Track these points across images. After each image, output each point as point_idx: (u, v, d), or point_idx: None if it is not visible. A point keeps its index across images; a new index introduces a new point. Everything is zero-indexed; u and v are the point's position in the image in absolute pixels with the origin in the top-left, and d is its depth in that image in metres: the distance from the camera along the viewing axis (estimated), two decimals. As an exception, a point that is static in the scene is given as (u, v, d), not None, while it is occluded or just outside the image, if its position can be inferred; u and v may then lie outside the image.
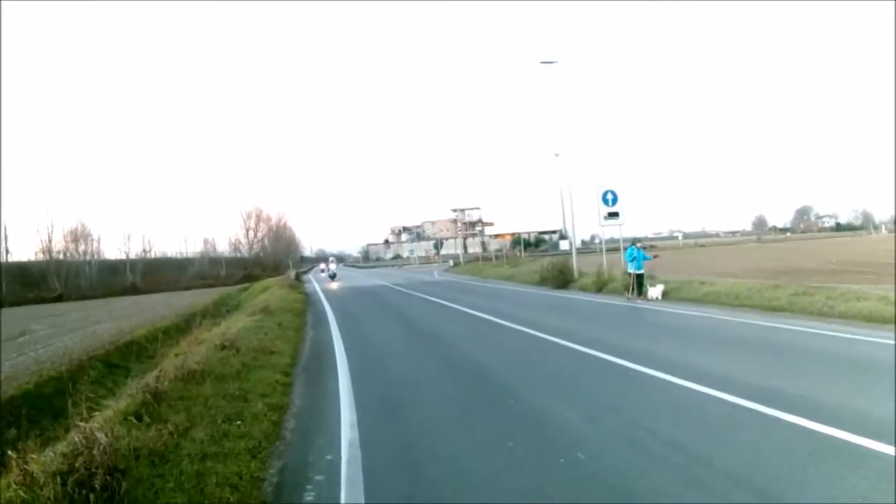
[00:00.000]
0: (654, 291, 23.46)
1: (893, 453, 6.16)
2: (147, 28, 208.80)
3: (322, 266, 68.72)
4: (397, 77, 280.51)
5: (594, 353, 12.86)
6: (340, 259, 76.29)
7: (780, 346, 12.75)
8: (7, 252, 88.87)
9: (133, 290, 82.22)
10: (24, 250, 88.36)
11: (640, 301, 23.29)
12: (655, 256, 25.93)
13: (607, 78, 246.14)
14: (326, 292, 41.68)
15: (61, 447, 6.90)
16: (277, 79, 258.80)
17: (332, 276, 61.93)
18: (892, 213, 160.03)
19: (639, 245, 26.16)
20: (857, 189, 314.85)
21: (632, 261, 24.50)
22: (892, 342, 12.18)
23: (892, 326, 14.03)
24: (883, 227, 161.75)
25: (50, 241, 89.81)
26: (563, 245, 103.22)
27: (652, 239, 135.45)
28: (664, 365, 10.95)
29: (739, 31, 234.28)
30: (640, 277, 24.28)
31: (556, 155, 47.17)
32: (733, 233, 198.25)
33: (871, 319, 15.13)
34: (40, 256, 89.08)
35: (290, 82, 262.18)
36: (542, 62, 34.72)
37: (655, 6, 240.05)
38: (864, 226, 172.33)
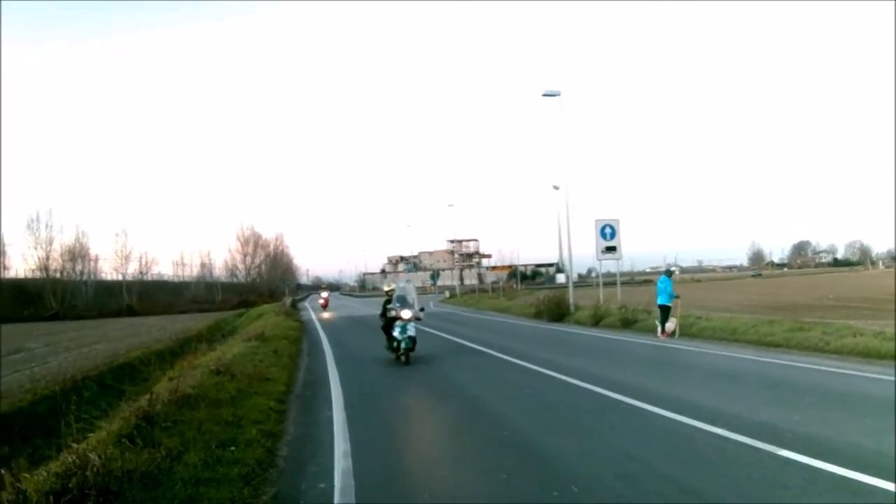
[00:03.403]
0: (670, 325, 22.22)
1: (893, 489, 6.15)
2: (148, 46, 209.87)
3: (324, 295, 68.29)
4: (398, 106, 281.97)
5: (577, 382, 12.93)
6: (336, 288, 76.02)
7: (791, 383, 12.69)
8: (4, 268, 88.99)
9: (129, 312, 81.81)
10: (21, 267, 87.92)
11: (662, 337, 21.92)
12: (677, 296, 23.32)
13: (607, 111, 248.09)
14: (322, 321, 41.59)
15: (54, 467, 6.89)
16: (278, 105, 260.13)
17: (324, 307, 60.30)
18: (891, 246, 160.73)
19: (674, 275, 24.48)
20: (855, 221, 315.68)
21: (663, 293, 22.68)
22: (886, 377, 12.22)
23: (889, 362, 14.06)
24: (880, 262, 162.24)
25: (47, 258, 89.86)
26: (560, 278, 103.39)
27: (649, 274, 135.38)
28: (641, 393, 10.95)
29: (737, 65, 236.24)
30: (665, 311, 22.58)
31: (556, 188, 47.46)
32: (730, 267, 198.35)
33: (868, 355, 15.17)
34: (37, 274, 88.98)
35: (290, 108, 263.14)
36: (544, 94, 34.82)
37: (655, 39, 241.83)
38: (862, 261, 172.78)
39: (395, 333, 17.66)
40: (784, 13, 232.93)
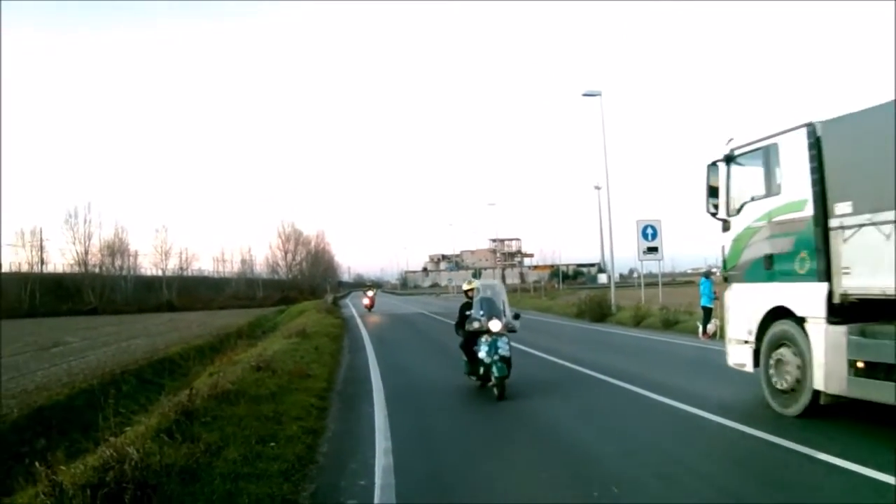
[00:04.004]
0: (711, 327, 21.66)
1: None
2: (195, 41, 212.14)
3: (369, 294, 54.51)
4: (441, 105, 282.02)
5: (619, 382, 12.82)
6: (378, 286, 74.08)
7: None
8: (42, 263, 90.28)
9: (168, 307, 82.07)
10: (59, 262, 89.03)
11: (703, 339, 21.46)
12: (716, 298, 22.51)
13: (649, 109, 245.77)
14: (364, 318, 41.55)
15: (91, 460, 6.83)
16: (322, 102, 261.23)
17: (369, 308, 50.29)
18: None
19: (713, 277, 23.29)
20: None
21: (704, 294, 22.32)
22: None
23: None
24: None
25: (86, 253, 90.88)
26: (601, 278, 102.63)
27: (690, 275, 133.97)
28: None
29: (773, 62, 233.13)
30: (708, 312, 22.13)
31: (597, 188, 47.06)
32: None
33: None
34: (76, 269, 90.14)
35: (334, 105, 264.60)
36: (584, 94, 34.58)
37: (697, 38, 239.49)
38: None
39: (482, 354, 12.09)
40: (803, 12, 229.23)
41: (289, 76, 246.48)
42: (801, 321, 9.39)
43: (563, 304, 44.34)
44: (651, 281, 41.31)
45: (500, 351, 12.02)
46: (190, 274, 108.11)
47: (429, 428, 10.09)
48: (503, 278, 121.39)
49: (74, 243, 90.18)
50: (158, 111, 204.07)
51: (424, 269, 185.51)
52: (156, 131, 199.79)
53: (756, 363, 10.45)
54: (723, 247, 11.70)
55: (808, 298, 9.24)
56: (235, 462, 7.40)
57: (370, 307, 50.13)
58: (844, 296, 8.70)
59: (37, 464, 6.53)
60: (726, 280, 11.92)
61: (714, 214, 11.65)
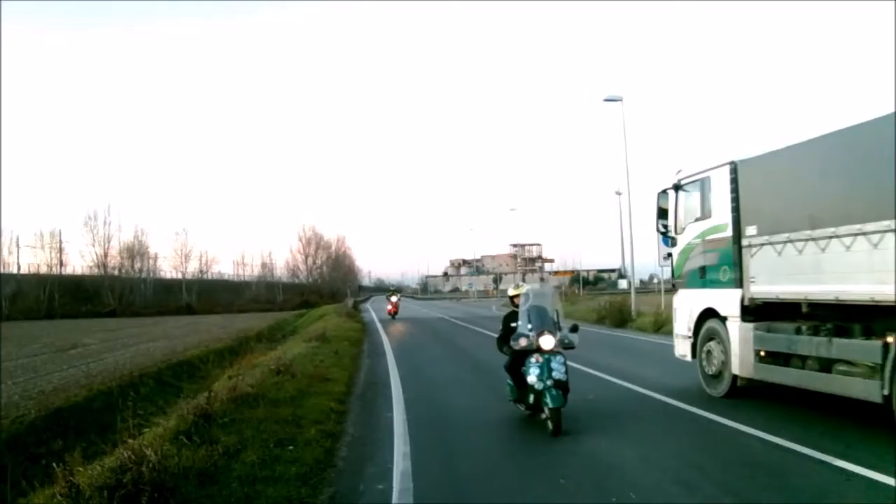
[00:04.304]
0: None
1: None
2: (216, 45, 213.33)
3: (393, 299, 49.91)
4: (462, 110, 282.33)
5: (637, 388, 12.71)
6: (399, 290, 73.41)
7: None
8: (61, 265, 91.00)
9: (188, 310, 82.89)
10: (78, 264, 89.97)
11: None
12: None
13: (667, 115, 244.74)
14: (384, 322, 41.52)
15: (109, 462, 6.83)
16: (343, 107, 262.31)
17: (392, 315, 46.40)
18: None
19: None
20: None
21: None
22: None
23: None
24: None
25: (105, 256, 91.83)
26: (622, 284, 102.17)
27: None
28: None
29: (793, 66, 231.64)
30: None
31: (618, 193, 46.76)
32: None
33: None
34: (95, 271, 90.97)
35: (355, 110, 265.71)
36: (605, 99, 34.42)
37: (715, 45, 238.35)
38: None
39: (532, 378, 9.58)
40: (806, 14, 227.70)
41: (312, 80, 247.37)
42: (724, 319, 11.74)
43: (583, 308, 44.13)
44: (672, 287, 41.07)
45: (554, 374, 9.47)
46: (210, 277, 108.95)
47: (445, 430, 10.04)
48: (524, 283, 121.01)
49: (94, 245, 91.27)
50: (180, 114, 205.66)
51: (445, 274, 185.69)
52: (177, 134, 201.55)
53: (694, 354, 12.77)
54: (672, 259, 14.38)
55: (728, 301, 11.61)
56: (253, 465, 7.37)
57: (394, 313, 46.65)
58: (752, 300, 11.02)
59: (54, 465, 6.52)
60: (674, 287, 14.53)
61: (663, 233, 14.34)
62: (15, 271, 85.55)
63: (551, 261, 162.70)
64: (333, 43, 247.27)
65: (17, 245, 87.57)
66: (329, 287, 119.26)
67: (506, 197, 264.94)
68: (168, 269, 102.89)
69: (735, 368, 11.27)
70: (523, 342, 9.73)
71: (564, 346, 9.89)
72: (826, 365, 9.22)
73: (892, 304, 8.01)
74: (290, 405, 10.91)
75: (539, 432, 9.49)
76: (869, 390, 8.33)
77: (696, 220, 12.86)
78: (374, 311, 61.82)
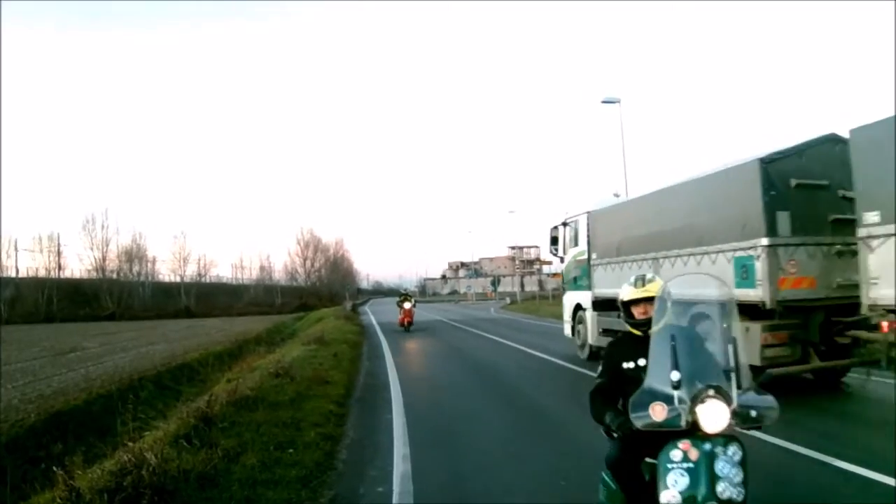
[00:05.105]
0: None
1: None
2: (212, 49, 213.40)
3: (406, 306, 34.79)
4: (459, 113, 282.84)
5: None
6: (397, 293, 71.30)
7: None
8: (60, 268, 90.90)
9: (186, 314, 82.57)
10: (76, 267, 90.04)
11: None
12: None
13: (666, 116, 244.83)
14: (383, 325, 41.47)
15: (109, 465, 6.82)
16: (340, 110, 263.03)
17: (404, 326, 34.13)
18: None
19: None
20: None
21: None
22: None
23: None
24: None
25: (104, 259, 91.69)
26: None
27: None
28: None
29: (789, 67, 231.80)
30: None
31: (616, 195, 46.56)
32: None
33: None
34: (93, 274, 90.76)
35: (352, 113, 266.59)
36: (603, 101, 34.33)
37: (714, 46, 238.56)
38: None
39: (668, 495, 3.84)
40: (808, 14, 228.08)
41: (309, 84, 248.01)
42: (584, 310, 18.37)
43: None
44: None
45: (720, 489, 3.80)
46: (208, 280, 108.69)
47: (445, 433, 9.94)
48: (522, 286, 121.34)
49: (92, 249, 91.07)
50: (178, 117, 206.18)
51: (443, 277, 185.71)
52: (175, 138, 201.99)
53: (572, 333, 19.62)
54: (562, 271, 21.53)
55: (586, 299, 18.14)
56: (253, 468, 7.37)
57: (407, 324, 34.06)
58: (595, 298, 17.43)
59: (54, 468, 6.51)
60: (564, 290, 21.25)
61: (554, 253, 21.16)
62: (14, 275, 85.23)
63: (549, 263, 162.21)
64: (331, 47, 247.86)
65: (16, 249, 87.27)
66: (327, 290, 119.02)
67: (504, 199, 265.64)
68: (166, 272, 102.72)
69: (590, 340, 17.80)
70: (658, 413, 3.95)
71: (749, 423, 4.01)
72: None
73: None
74: (290, 408, 10.90)
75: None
76: None
77: (572, 247, 19.53)
78: (372, 313, 61.75)
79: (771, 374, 10.32)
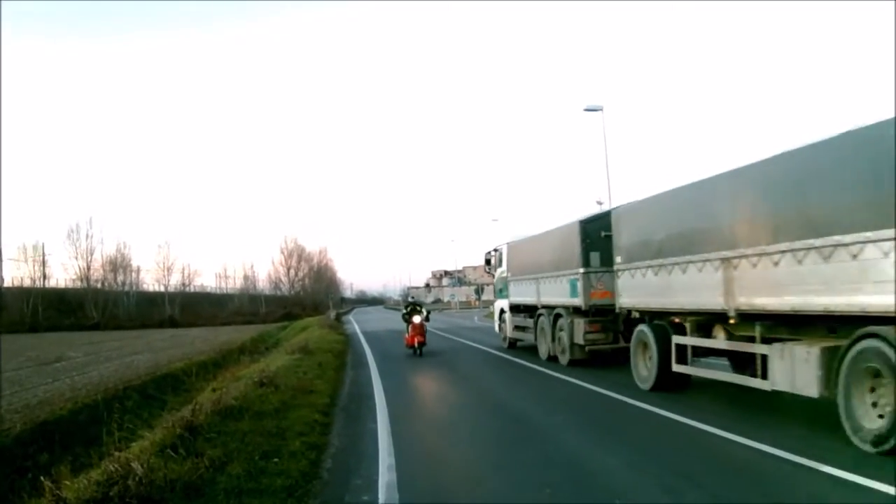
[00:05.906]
0: None
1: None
2: (195, 57, 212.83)
3: (416, 319, 24.11)
4: (442, 121, 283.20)
5: (610, 393, 12.64)
6: (380, 302, 70.27)
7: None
8: (44, 278, 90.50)
9: (171, 323, 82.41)
10: (61, 277, 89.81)
11: None
12: None
13: (650, 123, 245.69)
14: (367, 334, 41.46)
15: (96, 475, 6.84)
16: (323, 119, 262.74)
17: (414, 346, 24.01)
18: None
19: None
20: None
21: None
22: None
23: None
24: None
25: (88, 268, 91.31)
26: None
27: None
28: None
29: (780, 73, 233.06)
30: None
31: (599, 203, 46.78)
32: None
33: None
34: (78, 284, 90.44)
35: (335, 122, 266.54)
36: (586, 109, 34.43)
37: (698, 54, 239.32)
38: None
39: None
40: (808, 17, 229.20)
41: (292, 92, 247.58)
42: (504, 312, 24.41)
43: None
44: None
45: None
46: (192, 290, 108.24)
47: (429, 441, 10.00)
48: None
49: (76, 258, 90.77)
50: (162, 126, 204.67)
51: (427, 285, 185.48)
52: (159, 146, 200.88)
53: (498, 329, 26.06)
54: (494, 285, 27.77)
55: (506, 304, 24.08)
56: (239, 477, 7.38)
57: (418, 345, 24.07)
58: (513, 303, 23.26)
59: (41, 478, 6.54)
60: (495, 297, 27.47)
61: (488, 272, 28.31)
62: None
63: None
64: (314, 58, 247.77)
65: (1, 258, 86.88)
66: (311, 299, 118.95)
67: (487, 208, 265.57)
68: (151, 281, 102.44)
69: (508, 334, 24.23)
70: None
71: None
72: (532, 331, 21.01)
73: (565, 306, 18.03)
74: (275, 417, 10.91)
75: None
76: (532, 339, 21.18)
77: (498, 267, 25.62)
78: (356, 322, 61.58)
79: (587, 350, 16.95)
